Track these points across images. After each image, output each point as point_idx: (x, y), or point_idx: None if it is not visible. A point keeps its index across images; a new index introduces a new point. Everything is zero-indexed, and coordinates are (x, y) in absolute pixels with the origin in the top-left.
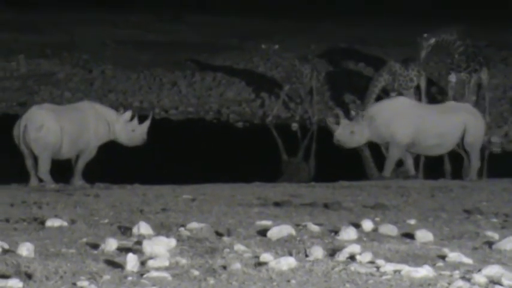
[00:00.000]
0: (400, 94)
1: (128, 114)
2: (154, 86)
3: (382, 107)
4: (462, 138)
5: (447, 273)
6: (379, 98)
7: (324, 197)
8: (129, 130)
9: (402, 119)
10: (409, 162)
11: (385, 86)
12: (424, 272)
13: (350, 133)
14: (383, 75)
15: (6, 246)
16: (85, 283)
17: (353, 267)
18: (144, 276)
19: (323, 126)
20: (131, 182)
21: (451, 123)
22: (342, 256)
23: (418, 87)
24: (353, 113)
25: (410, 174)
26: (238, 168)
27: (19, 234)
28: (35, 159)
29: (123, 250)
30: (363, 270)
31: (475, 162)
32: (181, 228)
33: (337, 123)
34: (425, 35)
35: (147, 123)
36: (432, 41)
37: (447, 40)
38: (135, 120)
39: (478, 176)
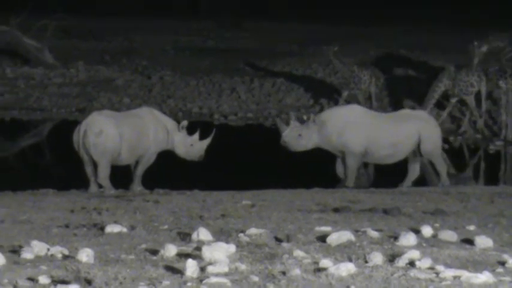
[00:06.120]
0: (460, 99)
1: (185, 123)
2: (213, 92)
3: (334, 114)
4: (418, 147)
5: (507, 279)
6: (439, 104)
7: (383, 203)
8: (188, 143)
9: (354, 127)
10: (340, 171)
11: (445, 91)
12: (484, 278)
13: (298, 136)
14: (443, 81)
15: (66, 252)
16: None
17: (412, 273)
18: (204, 282)
19: None
20: (191, 188)
21: (404, 132)
22: (402, 262)
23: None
24: (305, 117)
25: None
26: (298, 174)
27: (79, 240)
28: (95, 165)
29: (183, 256)
30: (422, 276)
31: (441, 168)
32: (241, 234)
33: (288, 124)
34: (476, 42)
35: (207, 141)
36: (484, 48)
37: (498, 47)
38: (196, 135)
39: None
